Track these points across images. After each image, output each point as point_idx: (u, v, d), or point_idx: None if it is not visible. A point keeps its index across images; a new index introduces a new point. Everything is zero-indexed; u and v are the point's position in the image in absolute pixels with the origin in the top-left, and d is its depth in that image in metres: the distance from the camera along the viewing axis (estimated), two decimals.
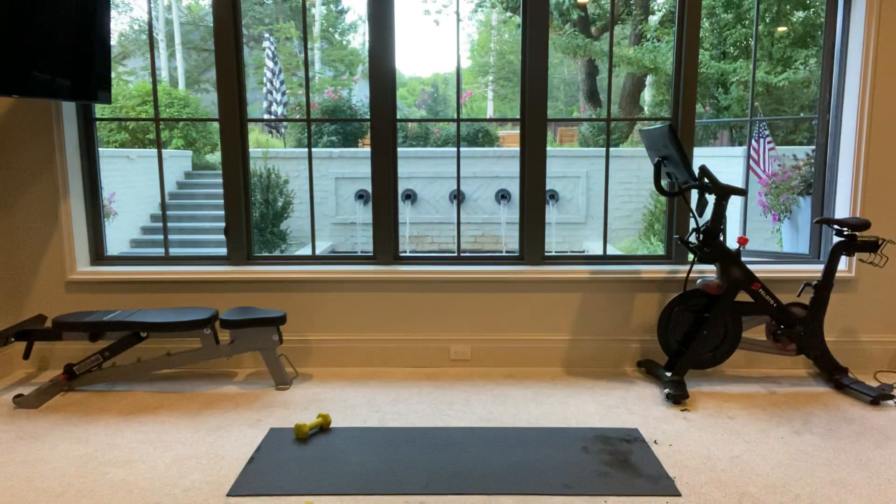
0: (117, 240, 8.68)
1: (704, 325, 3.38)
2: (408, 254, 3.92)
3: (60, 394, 3.38)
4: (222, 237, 3.85)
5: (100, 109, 6.37)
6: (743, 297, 3.49)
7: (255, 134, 12.65)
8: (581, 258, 3.94)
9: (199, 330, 3.35)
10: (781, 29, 10.05)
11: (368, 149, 3.81)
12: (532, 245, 3.81)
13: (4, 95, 3.08)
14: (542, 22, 3.65)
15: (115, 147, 10.72)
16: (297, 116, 11.95)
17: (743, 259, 3.43)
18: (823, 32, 3.72)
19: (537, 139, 3.73)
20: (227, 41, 3.63)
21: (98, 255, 3.87)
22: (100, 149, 3.90)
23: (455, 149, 3.93)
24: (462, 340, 3.77)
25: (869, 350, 3.72)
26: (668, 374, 3.39)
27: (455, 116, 4.04)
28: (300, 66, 17.31)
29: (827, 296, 3.40)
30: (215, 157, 11.72)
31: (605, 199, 3.98)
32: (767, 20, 9.98)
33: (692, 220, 3.57)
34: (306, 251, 8.40)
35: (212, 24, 3.67)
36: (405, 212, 9.53)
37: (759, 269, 3.69)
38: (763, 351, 3.52)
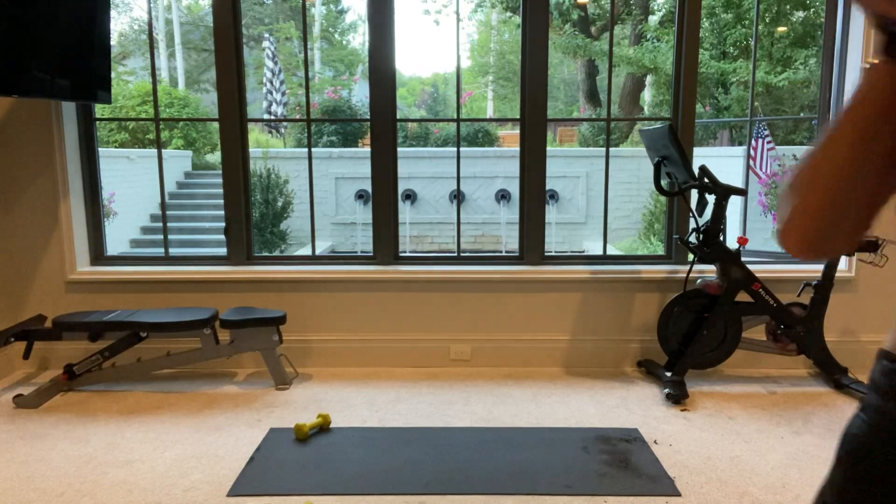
0: (117, 240, 8.67)
1: (704, 325, 3.38)
2: (408, 254, 3.92)
3: (60, 394, 3.38)
4: (222, 237, 3.84)
5: (100, 109, 6.37)
6: (743, 297, 3.49)
7: (255, 134, 12.65)
8: (581, 258, 3.94)
9: (199, 330, 3.35)
10: (781, 29, 10.05)
11: (368, 149, 3.81)
12: (532, 245, 3.81)
13: (4, 95, 3.08)
14: (542, 22, 3.65)
15: (115, 147, 10.71)
16: (297, 116, 11.95)
17: (743, 259, 3.42)
18: (823, 32, 3.72)
19: (537, 139, 3.73)
20: (227, 41, 3.63)
21: (98, 255, 3.87)
22: (100, 149, 3.90)
23: (455, 149, 3.93)
24: (462, 340, 3.77)
25: (869, 350, 3.72)
26: (668, 374, 3.39)
27: (455, 116, 4.04)
28: (300, 66, 17.30)
29: (827, 296, 3.40)
30: (215, 157, 11.72)
31: (605, 199, 3.98)
32: (767, 20, 9.98)
33: (692, 220, 3.56)
34: (306, 251, 8.40)
35: (212, 24, 3.67)
36: (405, 212, 9.53)
37: (759, 269, 3.69)
38: (763, 351, 3.52)
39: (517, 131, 4.00)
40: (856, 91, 0.74)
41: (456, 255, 3.93)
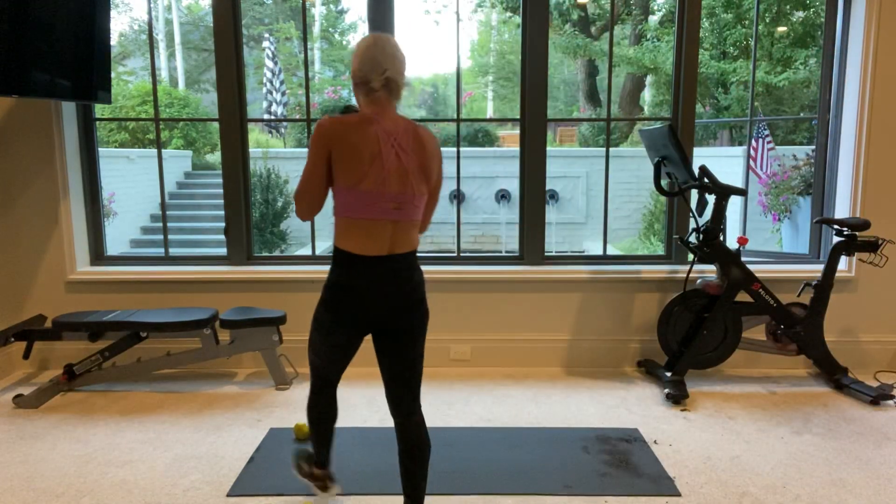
0: (117, 240, 8.67)
1: (704, 325, 3.38)
2: None
3: (60, 394, 3.38)
4: (222, 237, 3.85)
5: (100, 109, 6.36)
6: (743, 297, 3.49)
7: (255, 134, 12.64)
8: (581, 258, 3.94)
9: (199, 330, 3.35)
10: (781, 29, 10.04)
11: None
12: (532, 245, 3.81)
13: (4, 95, 3.08)
14: (542, 22, 3.65)
15: (115, 147, 10.71)
16: (297, 116, 11.95)
17: (743, 259, 3.42)
18: (823, 32, 3.72)
19: (537, 139, 3.73)
20: (227, 41, 3.63)
21: (98, 255, 3.87)
22: (100, 149, 3.90)
23: (455, 149, 3.93)
24: (462, 340, 3.77)
25: (869, 350, 3.72)
26: (668, 374, 3.39)
27: (455, 116, 4.04)
28: (300, 66, 17.29)
29: (827, 296, 3.40)
30: (215, 157, 11.71)
31: (605, 199, 3.98)
32: (767, 20, 9.98)
33: (692, 220, 3.56)
34: (306, 251, 8.40)
35: (212, 24, 3.67)
36: None
37: (759, 269, 3.69)
38: (763, 351, 3.52)
39: (517, 131, 4.00)
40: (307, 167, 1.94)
41: (456, 255, 3.93)
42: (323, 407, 2.16)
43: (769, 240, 7.23)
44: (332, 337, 1.99)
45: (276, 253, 8.05)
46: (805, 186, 6.04)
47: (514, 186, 9.54)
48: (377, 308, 1.93)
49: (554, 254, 4.01)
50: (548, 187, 9.53)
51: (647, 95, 12.76)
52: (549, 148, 3.78)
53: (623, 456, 2.69)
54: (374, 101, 1.95)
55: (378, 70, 1.91)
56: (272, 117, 11.00)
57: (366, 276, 1.90)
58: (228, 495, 2.41)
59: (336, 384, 2.16)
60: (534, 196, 3.78)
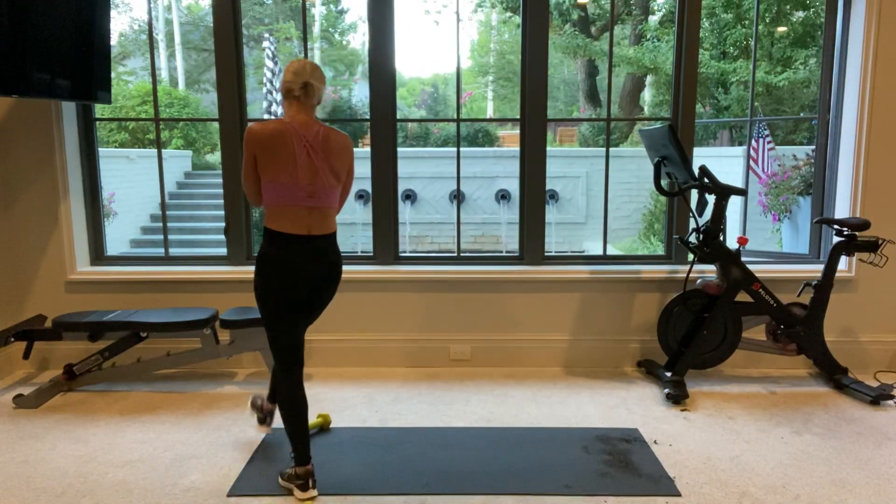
0: (117, 240, 8.66)
1: (704, 325, 3.38)
2: (408, 254, 3.92)
3: (60, 394, 3.38)
4: (222, 237, 3.85)
5: (100, 109, 6.36)
6: (743, 297, 3.49)
7: None
8: (581, 258, 3.94)
9: (199, 330, 3.35)
10: (781, 29, 10.04)
11: (368, 149, 3.80)
12: (532, 245, 3.81)
13: (4, 95, 3.08)
14: (542, 22, 3.65)
15: (115, 147, 10.71)
16: None
17: (743, 259, 3.42)
18: (823, 32, 3.72)
19: (537, 139, 3.73)
20: (227, 41, 3.63)
21: (98, 255, 3.87)
22: (100, 149, 3.90)
23: (455, 149, 3.93)
24: (462, 340, 3.77)
25: (869, 350, 3.72)
26: (668, 374, 3.39)
27: (455, 116, 4.04)
28: None
29: (827, 296, 3.40)
30: (215, 157, 11.71)
31: (605, 199, 3.98)
32: (767, 20, 9.98)
33: (692, 220, 3.56)
34: None
35: (212, 24, 3.67)
36: (405, 212, 9.53)
37: (759, 269, 3.69)
38: (763, 351, 3.52)
39: (517, 131, 4.00)
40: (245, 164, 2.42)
41: (456, 255, 3.93)
42: (294, 388, 2.42)
43: (769, 240, 7.23)
44: (281, 299, 2.36)
45: None
46: (805, 186, 6.04)
47: (514, 186, 9.54)
48: (299, 276, 2.38)
49: (554, 254, 4.01)
50: (548, 187, 9.53)
51: (647, 95, 12.76)
52: (549, 148, 3.78)
53: (623, 456, 2.70)
54: (294, 106, 2.43)
55: (301, 77, 2.42)
56: (272, 117, 11.00)
57: (289, 250, 2.37)
58: (228, 495, 2.41)
59: (302, 362, 2.47)
60: (534, 196, 3.78)
